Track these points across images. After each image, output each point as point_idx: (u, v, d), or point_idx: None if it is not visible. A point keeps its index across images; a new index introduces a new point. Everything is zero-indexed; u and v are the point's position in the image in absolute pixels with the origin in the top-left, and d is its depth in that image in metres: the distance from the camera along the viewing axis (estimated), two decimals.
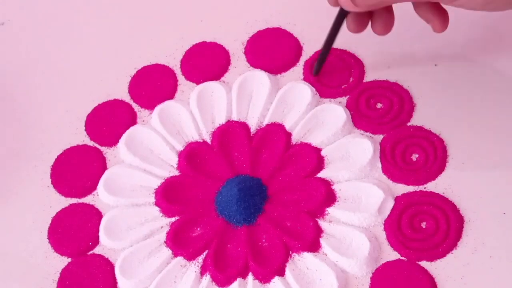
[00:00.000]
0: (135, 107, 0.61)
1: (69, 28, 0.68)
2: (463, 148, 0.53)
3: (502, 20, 0.59)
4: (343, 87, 0.58)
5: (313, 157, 0.54)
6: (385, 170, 0.53)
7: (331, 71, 0.58)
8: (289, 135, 0.56)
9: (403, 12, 0.57)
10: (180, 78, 0.62)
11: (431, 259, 0.49)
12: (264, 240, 0.52)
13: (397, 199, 0.52)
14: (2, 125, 0.63)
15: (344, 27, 0.53)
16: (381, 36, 0.52)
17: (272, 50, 0.61)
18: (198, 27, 0.64)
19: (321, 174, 0.54)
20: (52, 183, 0.58)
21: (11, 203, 0.58)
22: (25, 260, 0.55)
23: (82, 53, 0.66)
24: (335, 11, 0.52)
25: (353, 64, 0.59)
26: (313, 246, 0.51)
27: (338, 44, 0.59)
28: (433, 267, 0.49)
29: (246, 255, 0.51)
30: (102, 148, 0.59)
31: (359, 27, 0.52)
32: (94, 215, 0.56)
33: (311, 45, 0.61)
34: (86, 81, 0.63)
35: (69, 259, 0.55)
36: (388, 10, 0.51)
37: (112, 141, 0.59)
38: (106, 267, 0.53)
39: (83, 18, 0.68)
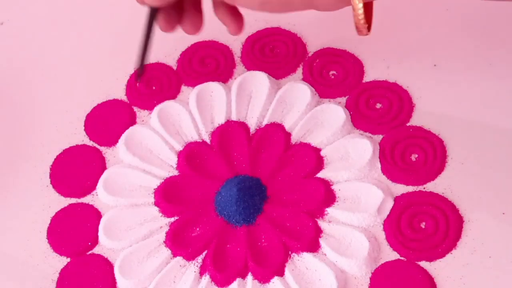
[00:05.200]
0: (134, 107, 0.61)
1: (68, 28, 0.68)
2: (463, 148, 0.53)
3: (501, 22, 0.59)
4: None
5: (313, 157, 0.54)
6: (384, 170, 0.53)
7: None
8: (288, 135, 0.56)
9: (403, 12, 0.57)
10: (180, 78, 0.62)
11: (430, 259, 0.49)
12: (263, 240, 0.52)
13: (396, 199, 0.52)
14: (1, 125, 0.63)
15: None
16: (192, 35, 0.54)
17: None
18: None
19: (321, 174, 0.54)
20: (51, 183, 0.58)
21: (11, 203, 0.58)
22: (25, 260, 0.55)
23: (81, 53, 0.65)
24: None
25: (353, 64, 0.59)
26: (313, 246, 0.51)
27: (338, 44, 0.60)
28: (432, 267, 0.49)
29: (245, 255, 0.51)
30: (102, 148, 0.59)
31: (168, 26, 0.53)
32: (94, 215, 0.56)
33: (312, 45, 0.61)
34: (86, 81, 0.63)
35: (69, 259, 0.54)
36: (196, 11, 0.53)
37: (112, 141, 0.59)
38: (105, 267, 0.53)
39: (82, 18, 0.68)
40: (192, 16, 0.53)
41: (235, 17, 0.52)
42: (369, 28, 0.48)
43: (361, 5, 0.45)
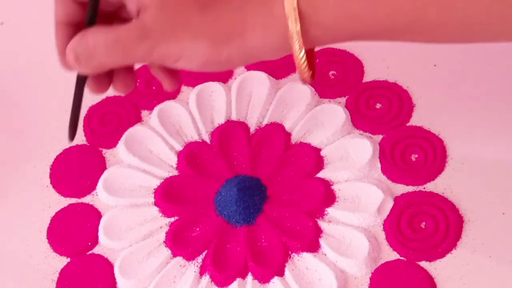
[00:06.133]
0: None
1: None
2: (463, 148, 0.53)
3: None
4: None
5: (313, 157, 0.54)
6: (384, 170, 0.53)
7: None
8: (288, 135, 0.56)
9: None
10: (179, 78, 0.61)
11: (430, 259, 0.49)
12: (263, 240, 0.52)
13: (396, 199, 0.52)
14: (1, 125, 0.63)
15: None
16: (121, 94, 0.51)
17: None
18: None
19: (321, 174, 0.54)
20: (51, 183, 0.58)
21: (11, 203, 0.58)
22: (25, 260, 0.55)
23: None
24: None
25: (353, 64, 0.59)
26: (313, 246, 0.51)
27: (338, 44, 0.59)
28: (432, 267, 0.49)
29: (245, 255, 0.51)
30: (101, 148, 0.59)
31: (99, 88, 0.49)
32: (94, 215, 0.56)
33: None
34: None
35: (69, 259, 0.54)
36: (127, 71, 0.49)
37: (112, 143, 0.59)
38: (105, 267, 0.53)
39: None
40: (123, 75, 0.49)
41: (170, 73, 0.49)
42: (313, 76, 0.45)
43: (302, 53, 0.43)
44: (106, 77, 0.49)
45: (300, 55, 0.43)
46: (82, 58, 0.46)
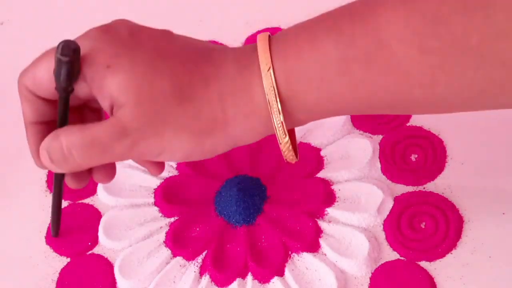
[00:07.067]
0: None
1: (68, 28, 0.67)
2: (462, 148, 0.53)
3: None
4: None
5: (313, 157, 0.54)
6: (384, 170, 0.53)
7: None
8: None
9: None
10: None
11: (430, 259, 0.49)
12: (263, 240, 0.52)
13: (396, 199, 0.52)
14: (1, 125, 0.63)
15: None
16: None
17: None
18: (198, 27, 0.64)
19: (321, 174, 0.54)
20: (48, 187, 0.58)
21: (11, 203, 0.58)
22: (24, 260, 0.55)
23: None
24: None
25: None
26: (313, 246, 0.51)
27: None
28: (432, 267, 0.49)
29: (245, 255, 0.51)
30: None
31: (78, 183, 0.48)
32: (94, 215, 0.56)
33: None
34: None
35: (69, 259, 0.54)
36: (107, 164, 0.47)
37: None
38: (105, 267, 0.53)
39: (82, 18, 0.68)
40: (103, 170, 0.48)
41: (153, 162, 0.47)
42: (296, 153, 0.45)
43: (286, 138, 0.42)
44: (84, 172, 0.48)
45: (284, 141, 0.43)
46: (57, 161, 0.44)
